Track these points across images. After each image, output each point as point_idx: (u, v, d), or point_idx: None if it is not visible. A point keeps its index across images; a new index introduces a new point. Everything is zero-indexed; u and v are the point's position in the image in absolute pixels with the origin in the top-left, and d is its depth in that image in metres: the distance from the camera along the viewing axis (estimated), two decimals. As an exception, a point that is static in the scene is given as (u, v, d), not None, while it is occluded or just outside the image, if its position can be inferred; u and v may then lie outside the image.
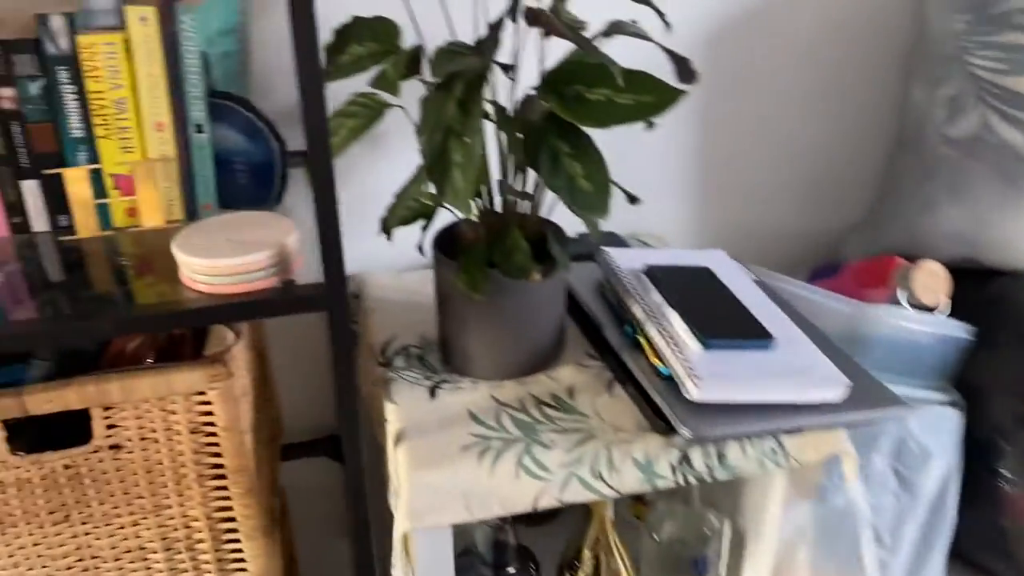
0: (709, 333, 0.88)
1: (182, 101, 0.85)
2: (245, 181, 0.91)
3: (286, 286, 0.78)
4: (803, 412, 0.85)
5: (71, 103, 0.83)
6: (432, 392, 0.92)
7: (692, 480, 0.85)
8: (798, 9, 1.20)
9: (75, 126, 0.84)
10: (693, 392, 0.82)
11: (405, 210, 0.87)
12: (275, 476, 1.13)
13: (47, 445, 0.84)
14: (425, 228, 0.90)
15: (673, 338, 0.88)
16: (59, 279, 0.84)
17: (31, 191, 0.87)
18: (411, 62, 0.81)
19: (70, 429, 0.84)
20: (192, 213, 0.90)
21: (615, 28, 0.88)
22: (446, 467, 0.82)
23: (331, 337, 0.78)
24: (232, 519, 0.91)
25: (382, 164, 1.14)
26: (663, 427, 0.85)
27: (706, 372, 0.84)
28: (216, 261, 0.75)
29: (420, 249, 0.91)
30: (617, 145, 1.22)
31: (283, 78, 1.05)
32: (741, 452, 0.86)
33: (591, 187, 0.76)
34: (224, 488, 0.89)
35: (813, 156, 1.31)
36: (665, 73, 0.86)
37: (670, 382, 0.86)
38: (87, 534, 0.88)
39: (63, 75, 0.82)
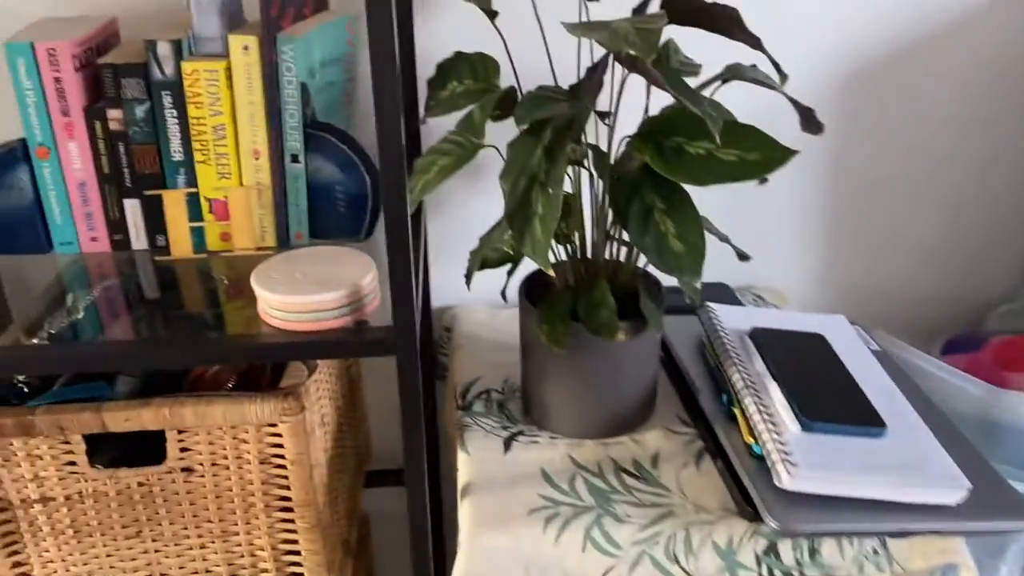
0: (811, 413, 0.79)
1: (279, 130, 0.85)
2: (338, 212, 0.89)
3: (357, 327, 0.76)
4: (913, 514, 0.75)
5: (173, 127, 0.85)
6: (507, 444, 0.88)
7: (779, 574, 0.77)
8: (945, 52, 1.09)
9: (176, 150, 0.85)
10: (785, 480, 0.74)
11: (491, 252, 0.83)
12: (355, 505, 1.12)
13: (127, 460, 0.85)
14: (510, 273, 0.86)
15: (771, 415, 0.80)
16: (153, 297, 0.85)
17: (133, 210, 0.88)
18: (504, 103, 0.78)
19: (151, 447, 0.85)
20: (284, 241, 0.90)
21: (732, 73, 0.82)
22: (510, 531, 0.78)
23: (399, 381, 0.75)
24: (297, 552, 0.89)
25: (481, 197, 1.11)
26: (751, 513, 0.77)
27: (803, 458, 0.76)
28: (288, 298, 0.74)
29: (503, 295, 0.87)
30: (736, 190, 1.14)
31: (391, 107, 1.04)
32: (837, 550, 0.77)
33: (683, 248, 0.70)
34: (291, 521, 0.88)
35: (958, 214, 1.19)
36: (790, 121, 0.79)
37: (763, 463, 0.79)
38: (157, 551, 0.89)
39: (167, 100, 0.83)
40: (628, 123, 0.82)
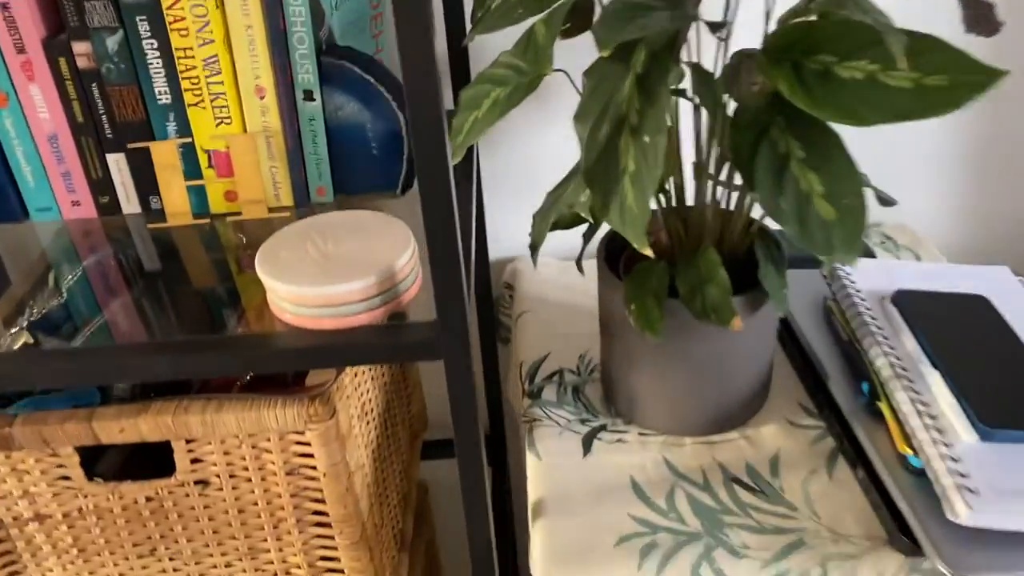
0: (991, 416, 0.60)
1: (286, 61, 0.66)
2: (367, 160, 0.71)
3: (392, 322, 0.58)
4: None
5: (154, 62, 0.67)
6: (586, 444, 0.71)
7: (944, 623, 0.60)
8: None
9: (161, 90, 0.68)
10: (962, 513, 0.56)
11: (562, 211, 0.64)
12: (410, 485, 0.97)
13: (134, 470, 0.71)
14: (587, 237, 0.67)
15: (934, 417, 0.62)
16: (150, 271, 0.70)
17: (118, 166, 0.72)
18: (575, 15, 0.57)
19: (163, 454, 0.70)
20: (302, 199, 0.72)
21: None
22: (593, 568, 0.61)
23: (449, 392, 0.58)
24: (340, 571, 0.75)
25: (549, 128, 0.92)
26: (908, 546, 0.59)
27: (985, 482, 0.57)
28: (301, 289, 0.56)
29: (579, 265, 0.69)
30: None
31: (432, 19, 0.84)
32: (1025, 595, 0.59)
33: (835, 214, 0.50)
34: (330, 537, 0.73)
35: None
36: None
37: (923, 480, 0.60)
38: (176, 570, 0.75)
39: (143, 27, 0.65)
40: (748, 35, 0.61)
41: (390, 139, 0.70)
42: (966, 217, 0.99)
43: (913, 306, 0.71)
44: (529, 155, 0.94)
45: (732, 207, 0.66)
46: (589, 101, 0.53)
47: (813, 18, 0.52)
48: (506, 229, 0.99)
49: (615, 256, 0.70)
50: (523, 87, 0.62)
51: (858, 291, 0.74)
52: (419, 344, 0.56)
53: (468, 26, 0.81)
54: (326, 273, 0.57)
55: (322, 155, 0.70)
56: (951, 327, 0.69)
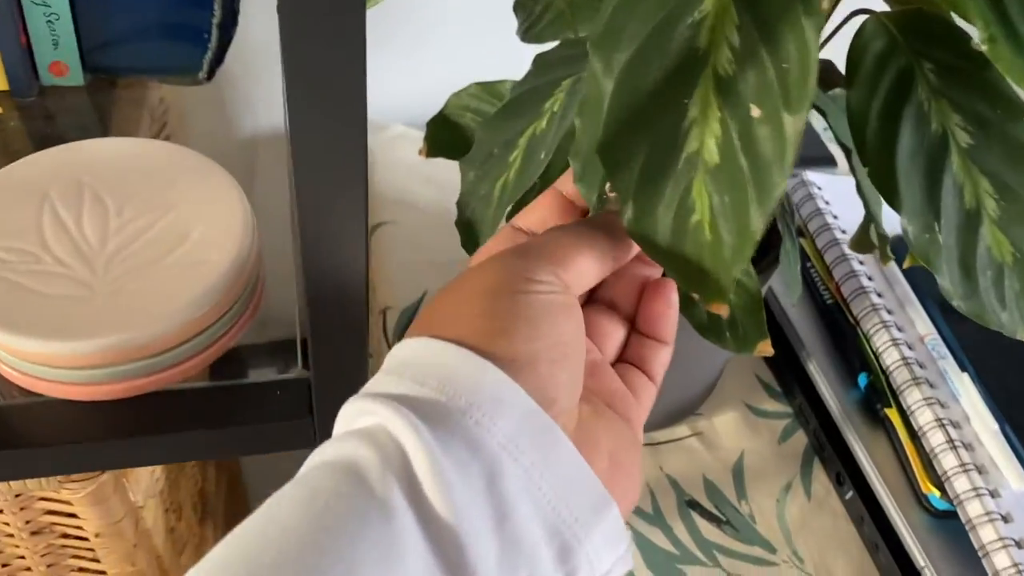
0: (1043, 451, 0.46)
1: None
2: (142, 20, 0.41)
3: (217, 380, 0.33)
4: None
5: None
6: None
7: None
8: None
9: None
10: (1019, 594, 0.43)
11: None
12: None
13: None
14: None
15: (969, 446, 0.47)
16: None
17: None
18: None
19: None
20: (25, 82, 0.41)
21: None
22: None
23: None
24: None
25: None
26: (924, 610, 0.46)
27: (1034, 538, 0.44)
28: (43, 344, 0.29)
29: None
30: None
31: None
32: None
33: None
34: None
35: None
36: None
37: (949, 522, 0.46)
38: None
39: None
40: None
41: (185, -13, 0.40)
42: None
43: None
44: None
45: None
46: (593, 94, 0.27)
47: None
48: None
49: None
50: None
51: (845, 233, 0.56)
52: (278, 428, 0.31)
53: None
54: (89, 307, 0.29)
55: (59, 9, 0.39)
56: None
